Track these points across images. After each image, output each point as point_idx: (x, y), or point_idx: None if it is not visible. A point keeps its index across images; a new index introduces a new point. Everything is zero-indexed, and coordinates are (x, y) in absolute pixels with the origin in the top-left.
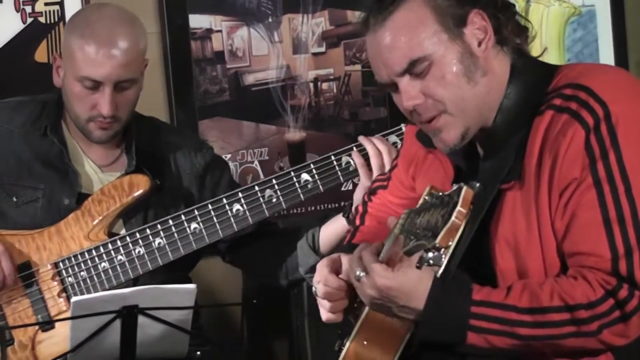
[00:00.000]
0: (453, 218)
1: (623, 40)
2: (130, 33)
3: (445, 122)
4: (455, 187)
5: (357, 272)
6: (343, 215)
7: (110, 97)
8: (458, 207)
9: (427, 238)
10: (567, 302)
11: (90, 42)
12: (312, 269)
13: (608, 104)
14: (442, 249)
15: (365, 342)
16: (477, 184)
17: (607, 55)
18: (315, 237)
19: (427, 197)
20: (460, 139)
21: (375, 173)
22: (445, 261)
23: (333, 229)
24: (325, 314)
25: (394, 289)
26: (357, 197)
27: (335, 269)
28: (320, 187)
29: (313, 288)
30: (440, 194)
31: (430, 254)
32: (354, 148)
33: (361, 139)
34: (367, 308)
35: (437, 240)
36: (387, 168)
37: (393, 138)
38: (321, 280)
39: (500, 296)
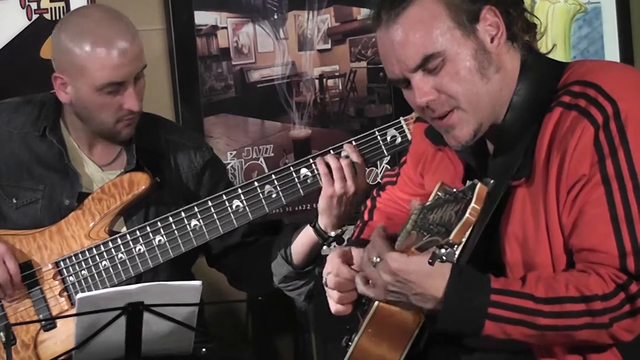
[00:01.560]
0: (467, 214)
1: (628, 38)
2: (127, 25)
3: (458, 118)
4: (468, 183)
5: (374, 258)
6: (310, 225)
7: (135, 92)
8: (472, 204)
9: (440, 234)
10: (583, 292)
11: (99, 48)
12: (285, 279)
13: (617, 101)
14: (455, 245)
15: (373, 338)
16: (491, 181)
17: (612, 52)
18: (288, 248)
19: (440, 193)
20: (473, 135)
21: (338, 184)
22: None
23: (303, 238)
24: (334, 306)
25: (409, 272)
26: (321, 205)
27: (347, 261)
28: (320, 181)
29: (323, 279)
30: (454, 190)
31: (443, 250)
32: (310, 160)
33: (346, 146)
34: (376, 303)
35: (451, 237)
36: (350, 181)
37: (392, 132)
38: (332, 271)
39: (517, 285)
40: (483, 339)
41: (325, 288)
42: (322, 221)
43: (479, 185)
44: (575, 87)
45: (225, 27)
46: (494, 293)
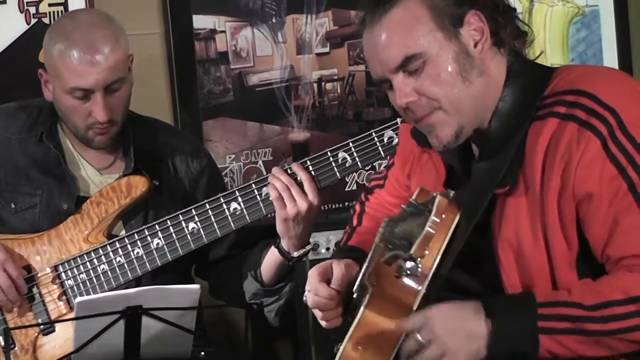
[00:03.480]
0: (427, 228)
1: (627, 40)
2: (108, 34)
3: (439, 119)
4: (431, 196)
5: (419, 339)
6: (274, 245)
7: (103, 102)
8: (432, 217)
9: (403, 247)
10: (630, 294)
11: (71, 53)
12: (255, 296)
13: (617, 110)
14: (418, 259)
15: (359, 345)
16: (452, 192)
17: (610, 55)
18: (258, 266)
19: (404, 206)
20: (455, 137)
21: (288, 205)
22: (425, 272)
23: (269, 259)
24: (321, 322)
25: (439, 314)
26: (279, 230)
27: (327, 278)
28: (318, 184)
29: (304, 297)
30: (417, 202)
31: (408, 264)
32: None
33: (270, 177)
34: (361, 310)
35: (412, 250)
36: (298, 199)
37: (389, 133)
38: (311, 290)
39: (564, 296)
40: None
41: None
42: (284, 244)
43: (438, 197)
44: (568, 96)
45: (224, 31)
46: (540, 306)
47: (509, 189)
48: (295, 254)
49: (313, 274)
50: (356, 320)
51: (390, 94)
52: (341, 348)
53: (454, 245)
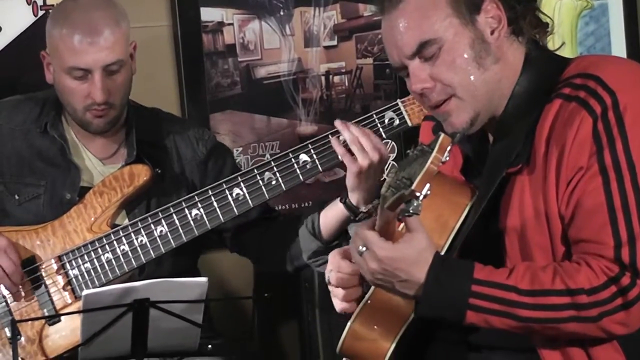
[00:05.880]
0: (429, 163)
1: (635, 34)
2: (109, 16)
3: (454, 105)
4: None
5: (360, 247)
6: (340, 201)
7: (101, 82)
8: (434, 153)
9: (405, 187)
10: (569, 285)
11: (70, 32)
12: (315, 254)
13: (616, 92)
14: (420, 195)
15: (367, 322)
16: (458, 134)
17: (619, 49)
18: (315, 223)
19: (409, 151)
20: (470, 123)
21: (359, 156)
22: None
23: (332, 213)
24: (339, 304)
25: (396, 259)
26: (349, 183)
27: (347, 257)
28: (319, 166)
29: (326, 277)
30: (423, 145)
31: (409, 204)
32: (330, 136)
33: (337, 123)
34: (372, 289)
35: (414, 186)
36: (369, 149)
37: (390, 114)
38: (334, 268)
39: (502, 277)
40: (484, 334)
41: (329, 287)
42: (354, 198)
43: (442, 136)
44: (576, 79)
45: (232, 24)
46: (475, 283)
47: (520, 167)
48: (364, 209)
49: (335, 254)
50: (369, 294)
51: (408, 81)
52: (349, 324)
53: (465, 224)
